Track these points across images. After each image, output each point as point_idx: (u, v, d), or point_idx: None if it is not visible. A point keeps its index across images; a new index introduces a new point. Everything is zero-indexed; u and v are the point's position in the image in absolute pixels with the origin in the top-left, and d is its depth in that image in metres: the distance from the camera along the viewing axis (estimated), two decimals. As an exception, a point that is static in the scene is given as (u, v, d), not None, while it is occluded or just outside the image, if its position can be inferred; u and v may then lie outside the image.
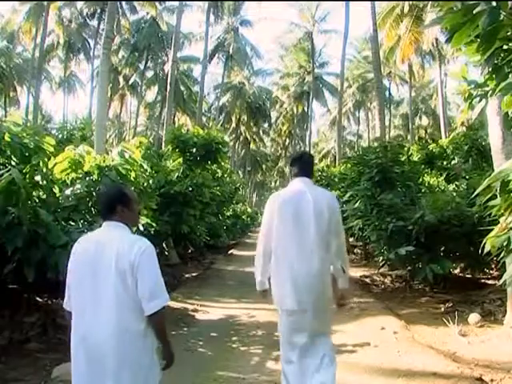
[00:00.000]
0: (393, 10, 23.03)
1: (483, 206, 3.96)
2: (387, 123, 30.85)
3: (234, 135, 41.68)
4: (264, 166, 51.44)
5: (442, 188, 9.34)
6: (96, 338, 2.05)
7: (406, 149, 9.53)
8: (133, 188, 6.39)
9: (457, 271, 9.46)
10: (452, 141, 11.32)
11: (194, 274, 12.22)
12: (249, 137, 43.25)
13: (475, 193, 3.81)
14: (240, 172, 51.34)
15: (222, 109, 38.27)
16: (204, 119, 37.02)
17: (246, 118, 39.58)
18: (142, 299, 2.04)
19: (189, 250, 14.56)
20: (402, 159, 8.69)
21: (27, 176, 5.36)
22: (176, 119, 36.01)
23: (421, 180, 9.10)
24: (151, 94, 36.28)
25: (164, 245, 11.26)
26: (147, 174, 6.51)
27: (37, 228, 4.78)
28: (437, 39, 23.29)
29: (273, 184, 64.78)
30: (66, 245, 5.07)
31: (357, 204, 8.19)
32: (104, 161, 5.89)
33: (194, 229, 10.44)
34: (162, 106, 32.60)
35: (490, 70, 3.44)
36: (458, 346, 5.25)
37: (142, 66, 31.05)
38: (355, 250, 16.62)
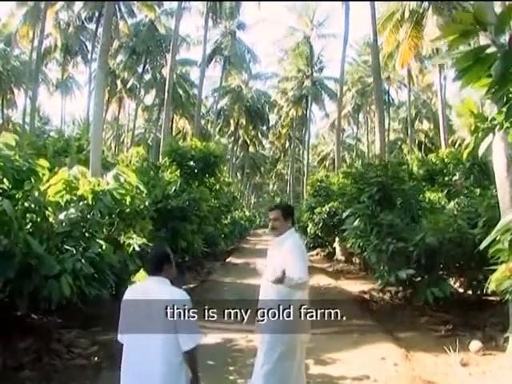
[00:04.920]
0: (392, 15, 22.90)
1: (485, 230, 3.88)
2: (386, 126, 30.71)
3: (232, 138, 41.54)
4: (262, 169, 51.32)
5: (443, 203, 9.23)
6: (145, 367, 2.62)
7: (406, 166, 9.41)
8: (128, 211, 6.28)
9: (457, 285, 9.34)
10: (452, 154, 11.24)
11: (191, 286, 12.07)
12: (247, 140, 43.11)
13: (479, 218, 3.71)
14: (238, 174, 51.25)
15: (221, 112, 38.11)
16: (202, 122, 36.91)
17: (244, 122, 39.43)
18: (180, 339, 2.63)
19: (186, 257, 14.46)
20: (402, 176, 8.57)
21: (19, 202, 5.24)
22: (174, 122, 35.87)
23: (421, 196, 8.99)
24: (150, 97, 36.17)
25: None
26: (144, 195, 6.38)
27: (29, 259, 4.66)
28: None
29: (271, 186, 64.72)
30: (59, 275, 4.98)
31: (356, 222, 8.07)
32: (98, 184, 5.75)
33: (192, 242, 10.33)
34: (159, 109, 32.46)
35: (501, 106, 3.34)
36: (460, 378, 5.15)
37: (140, 70, 30.89)
38: (353, 259, 16.35)
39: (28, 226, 5.32)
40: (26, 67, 27.01)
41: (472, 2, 20.73)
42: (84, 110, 33.08)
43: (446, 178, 10.13)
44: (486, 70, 2.98)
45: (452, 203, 8.77)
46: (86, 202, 5.65)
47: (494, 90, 3.04)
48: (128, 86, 32.22)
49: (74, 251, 5.30)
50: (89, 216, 5.77)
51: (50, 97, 59.16)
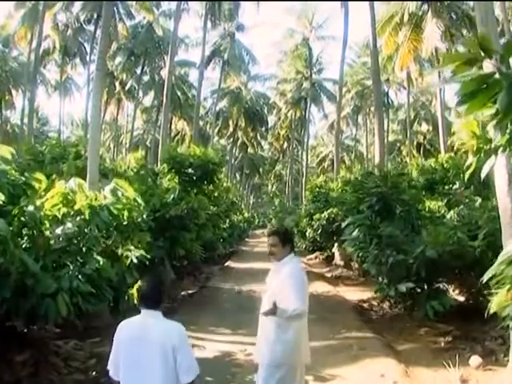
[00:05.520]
0: (392, 17, 22.86)
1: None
2: (385, 128, 30.65)
3: (231, 139, 41.51)
4: (261, 170, 51.29)
5: (443, 212, 9.18)
6: None
7: (406, 175, 9.36)
8: (125, 223, 6.21)
9: (456, 292, 9.29)
10: (452, 159, 11.20)
11: (189, 292, 12.03)
12: (246, 141, 43.09)
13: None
14: (237, 175, 51.23)
15: (220, 114, 38.07)
16: (201, 123, 36.83)
17: (243, 123, 39.38)
18: (179, 373, 2.64)
19: (184, 262, 14.38)
20: (402, 186, 8.52)
21: (15, 218, 5.17)
22: (173, 123, 35.79)
23: (421, 205, 8.94)
24: (148, 98, 36.10)
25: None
26: (141, 208, 6.31)
27: (25, 279, 4.60)
28: (436, 48, 23.08)
29: (270, 187, 64.73)
30: (55, 293, 4.91)
31: (355, 232, 8.01)
32: (96, 199, 5.68)
33: (190, 249, 10.27)
34: (158, 111, 32.39)
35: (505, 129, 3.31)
36: (460, 395, 5.10)
37: (138, 71, 30.84)
38: (352, 264, 16.23)
39: (24, 241, 5.27)
40: (25, 68, 26.90)
41: (471, 5, 20.73)
42: (83, 110, 33.03)
43: (446, 187, 10.11)
44: (490, 97, 2.94)
45: (452, 212, 8.74)
46: (83, 216, 5.57)
47: (498, 118, 3.01)
48: (126, 87, 32.19)
49: (71, 267, 5.23)
50: (86, 231, 5.71)
51: (49, 98, 59.00)
